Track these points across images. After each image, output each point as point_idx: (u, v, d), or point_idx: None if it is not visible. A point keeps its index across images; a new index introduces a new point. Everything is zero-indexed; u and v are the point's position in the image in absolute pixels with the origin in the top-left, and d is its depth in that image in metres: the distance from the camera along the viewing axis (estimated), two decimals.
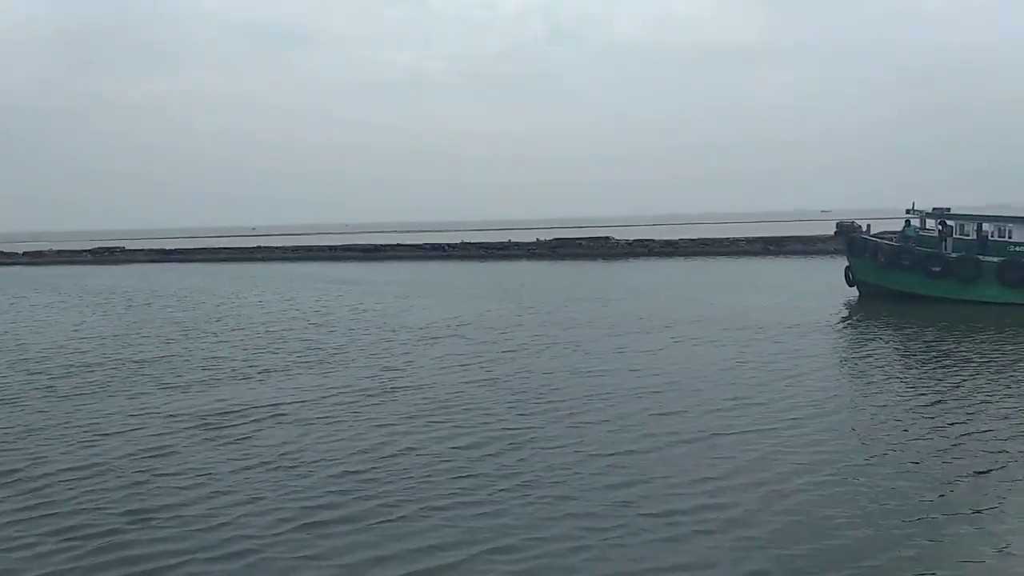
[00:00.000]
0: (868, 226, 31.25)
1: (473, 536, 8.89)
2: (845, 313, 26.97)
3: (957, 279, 27.57)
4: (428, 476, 10.84)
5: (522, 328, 24.28)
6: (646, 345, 20.66)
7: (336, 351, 20.86)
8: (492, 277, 46.17)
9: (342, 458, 11.66)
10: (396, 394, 15.64)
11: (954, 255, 27.86)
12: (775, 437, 12.21)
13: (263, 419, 13.94)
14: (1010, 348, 19.49)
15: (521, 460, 11.49)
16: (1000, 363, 17.62)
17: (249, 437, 12.90)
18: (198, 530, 9.19)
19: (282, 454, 11.93)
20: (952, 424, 12.80)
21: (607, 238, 69.17)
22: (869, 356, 19.14)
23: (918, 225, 29.78)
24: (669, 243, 65.63)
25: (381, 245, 74.28)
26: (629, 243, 66.74)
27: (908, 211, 29.81)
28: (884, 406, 14.12)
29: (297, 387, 16.56)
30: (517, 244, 68.52)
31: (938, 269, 27.88)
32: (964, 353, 19.00)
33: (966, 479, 10.28)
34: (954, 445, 11.69)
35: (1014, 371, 16.74)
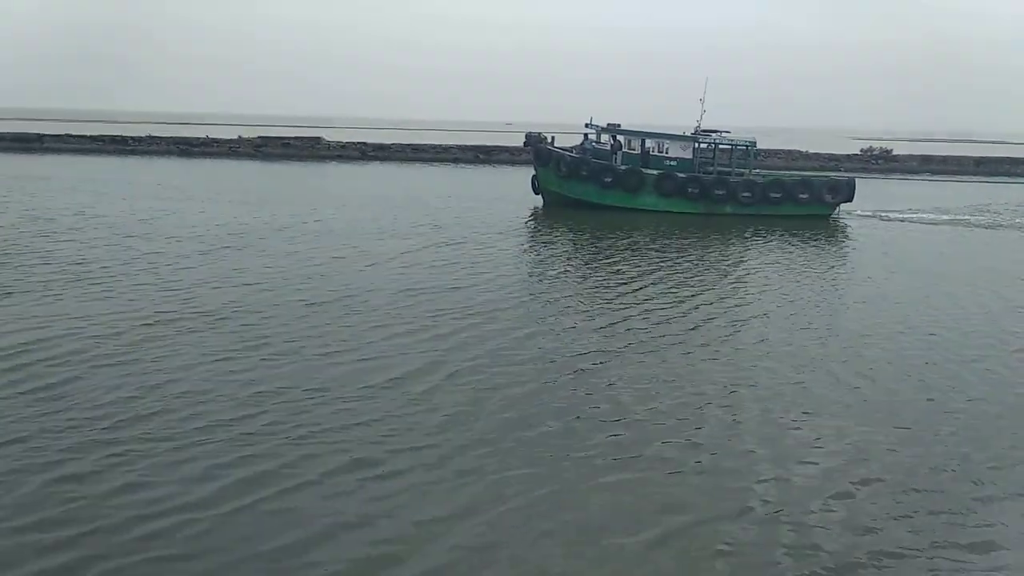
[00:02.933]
0: (553, 138, 33.62)
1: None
2: (532, 217, 29.34)
3: (624, 189, 31.08)
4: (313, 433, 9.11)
5: (313, 237, 22.72)
6: (467, 256, 20.53)
7: (97, 267, 17.46)
8: (209, 177, 42.31)
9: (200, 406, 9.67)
10: (215, 321, 13.38)
11: (623, 168, 31.25)
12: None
13: (39, 361, 11.08)
14: (661, 245, 22.96)
15: (441, 413, 9.80)
16: (651, 258, 20.78)
17: (45, 381, 10.31)
18: None
19: (98, 406, 9.61)
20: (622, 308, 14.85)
21: (318, 139, 66.50)
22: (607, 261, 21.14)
23: (595, 139, 32.76)
24: (382, 147, 65.06)
25: (41, 135, 63.67)
26: (342, 145, 64.91)
27: (586, 125, 32.58)
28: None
29: (64, 315, 13.47)
30: (216, 140, 63.05)
31: (609, 180, 31.12)
32: (631, 253, 22.00)
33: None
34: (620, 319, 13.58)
35: (663, 262, 19.96)
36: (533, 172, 33.39)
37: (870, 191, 39.60)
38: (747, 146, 32.37)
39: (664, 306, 15.79)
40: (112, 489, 7.72)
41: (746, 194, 30.78)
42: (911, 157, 64.44)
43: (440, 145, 67.44)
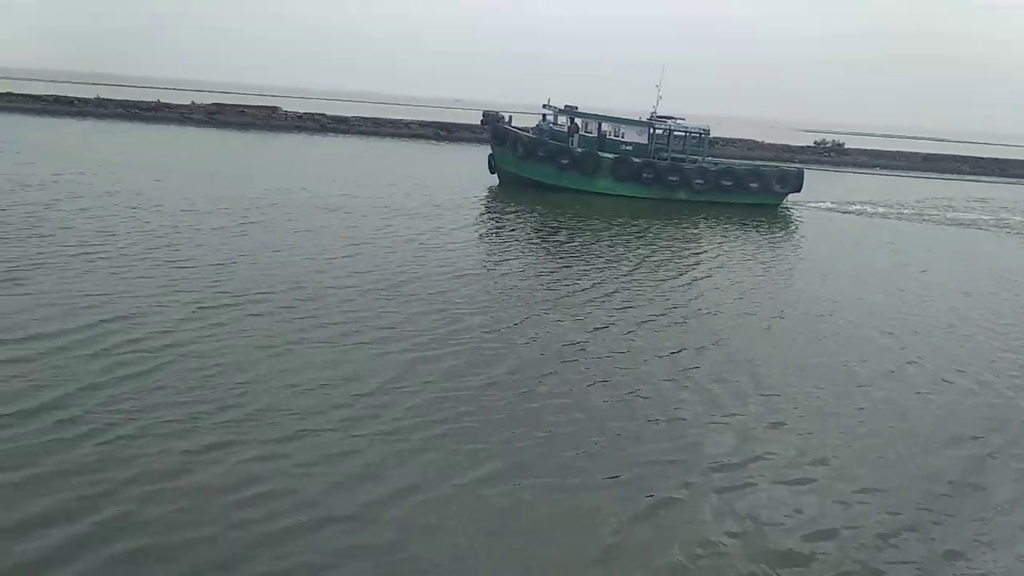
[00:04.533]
0: (510, 117, 33.54)
1: None
2: (489, 197, 29.34)
3: (580, 172, 31.22)
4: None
5: (324, 213, 22.10)
6: (483, 237, 20.79)
7: (117, 242, 16.36)
8: (174, 146, 40.70)
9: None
10: (275, 306, 12.71)
11: (579, 150, 31.36)
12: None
13: (109, 351, 10.21)
14: (615, 228, 23.38)
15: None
16: (604, 241, 21.02)
17: (130, 370, 9.63)
18: None
19: (199, 400, 8.97)
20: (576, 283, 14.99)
21: (275, 108, 65.22)
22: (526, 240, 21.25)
23: (552, 120, 32.76)
24: (341, 119, 64.13)
25: None
26: (299, 116, 63.76)
27: (544, 106, 32.55)
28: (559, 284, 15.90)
29: (106, 294, 12.64)
30: (168, 106, 61.33)
31: (566, 162, 31.21)
32: (584, 236, 22.17)
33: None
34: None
35: (616, 243, 20.23)
36: (490, 151, 33.32)
37: (822, 183, 40.53)
38: (701, 133, 32.74)
39: (647, 296, 15.96)
40: (240, 498, 7.20)
41: (699, 181, 31.19)
42: (861, 151, 65.90)
43: (400, 120, 66.72)
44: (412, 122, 66.57)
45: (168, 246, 16.44)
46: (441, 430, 8.83)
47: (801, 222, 28.78)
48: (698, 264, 19.57)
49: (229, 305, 12.62)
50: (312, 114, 64.88)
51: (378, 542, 6.73)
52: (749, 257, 20.99)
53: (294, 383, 9.73)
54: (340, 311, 12.77)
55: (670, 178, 31.07)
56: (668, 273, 18.11)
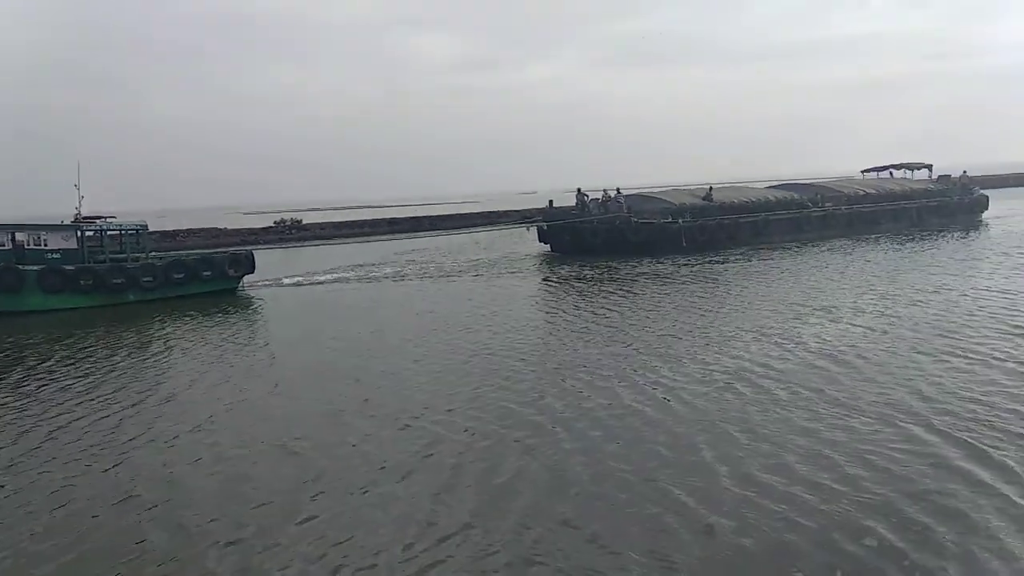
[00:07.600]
0: None
1: None
2: None
3: (1, 291, 27.02)
4: None
5: None
6: None
7: None
8: None
9: None
10: None
11: None
12: None
13: None
14: (57, 350, 20.64)
15: None
16: (47, 369, 18.25)
17: None
18: None
19: None
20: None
21: None
22: None
23: None
24: None
25: None
26: None
27: None
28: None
29: None
30: None
31: None
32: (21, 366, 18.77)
33: None
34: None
35: (69, 369, 17.66)
36: None
37: (288, 259, 42.67)
38: (138, 229, 31.44)
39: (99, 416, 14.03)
40: None
41: (147, 279, 29.70)
42: (321, 225, 71.38)
43: None
44: None
45: None
46: None
47: (263, 300, 29.72)
48: (173, 362, 18.75)
49: None
50: None
51: None
52: (222, 341, 21.09)
53: None
54: None
55: (114, 281, 28.92)
56: (141, 382, 16.71)
